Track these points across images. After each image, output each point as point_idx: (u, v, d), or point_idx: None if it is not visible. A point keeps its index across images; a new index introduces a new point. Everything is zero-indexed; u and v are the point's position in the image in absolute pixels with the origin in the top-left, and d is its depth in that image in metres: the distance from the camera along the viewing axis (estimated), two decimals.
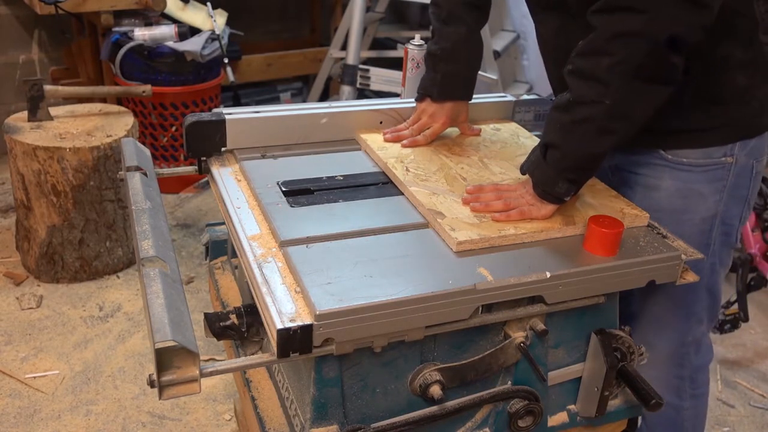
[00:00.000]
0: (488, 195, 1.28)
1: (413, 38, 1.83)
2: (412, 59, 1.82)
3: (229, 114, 1.45)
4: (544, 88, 3.32)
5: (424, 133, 1.52)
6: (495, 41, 3.31)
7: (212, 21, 3.24)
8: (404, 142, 1.51)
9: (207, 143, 1.45)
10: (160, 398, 0.95)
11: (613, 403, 1.36)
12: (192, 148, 1.44)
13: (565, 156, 1.19)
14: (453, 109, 1.53)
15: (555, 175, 1.20)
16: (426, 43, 1.77)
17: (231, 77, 3.26)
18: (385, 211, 1.28)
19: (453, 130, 1.60)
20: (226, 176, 1.40)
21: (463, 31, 1.48)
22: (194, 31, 3.18)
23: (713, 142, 1.34)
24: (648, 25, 1.07)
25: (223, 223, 1.55)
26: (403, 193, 1.35)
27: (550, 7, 1.35)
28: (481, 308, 1.13)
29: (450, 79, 1.51)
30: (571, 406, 1.34)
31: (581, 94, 1.15)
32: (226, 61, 3.23)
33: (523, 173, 1.29)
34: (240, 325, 1.29)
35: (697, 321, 1.48)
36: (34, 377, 2.11)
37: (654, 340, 1.49)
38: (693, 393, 1.56)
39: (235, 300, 1.54)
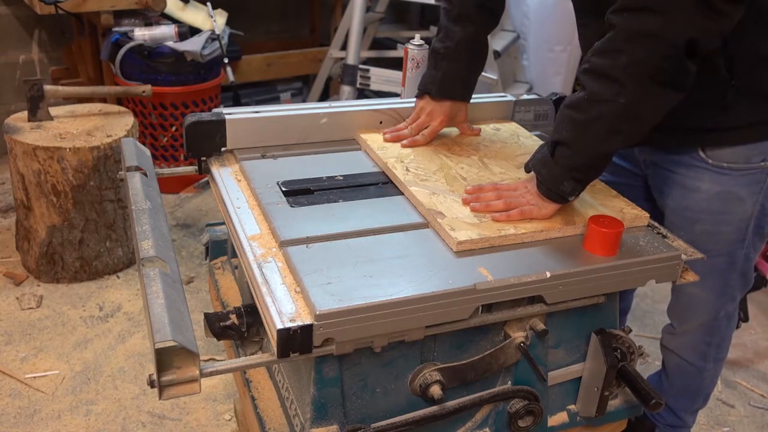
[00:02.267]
0: (488, 195, 1.28)
1: (413, 38, 1.83)
2: (412, 59, 1.82)
3: (229, 114, 1.45)
4: (544, 88, 3.33)
5: (423, 133, 1.52)
6: (495, 41, 3.30)
7: (212, 21, 3.23)
8: (404, 142, 1.51)
9: (207, 143, 1.45)
10: (160, 398, 0.95)
11: (613, 403, 1.36)
12: (192, 148, 1.44)
13: (575, 154, 1.19)
14: (451, 109, 1.53)
15: (562, 174, 1.21)
16: (426, 43, 1.77)
17: (231, 77, 3.26)
18: (385, 211, 1.28)
19: (453, 130, 1.60)
20: (226, 176, 1.40)
21: (471, 31, 1.48)
22: (194, 31, 3.17)
23: (754, 138, 1.35)
24: (665, 27, 1.07)
25: (223, 223, 1.55)
26: (403, 193, 1.35)
27: (594, 11, 1.35)
28: (481, 308, 1.13)
29: (450, 78, 1.51)
30: (571, 406, 1.34)
31: (596, 92, 1.15)
32: (226, 61, 3.23)
33: (527, 171, 1.29)
34: (240, 325, 1.29)
35: (730, 299, 1.56)
36: (34, 377, 2.11)
37: (688, 315, 1.60)
38: (716, 357, 1.66)
39: (235, 300, 1.54)
